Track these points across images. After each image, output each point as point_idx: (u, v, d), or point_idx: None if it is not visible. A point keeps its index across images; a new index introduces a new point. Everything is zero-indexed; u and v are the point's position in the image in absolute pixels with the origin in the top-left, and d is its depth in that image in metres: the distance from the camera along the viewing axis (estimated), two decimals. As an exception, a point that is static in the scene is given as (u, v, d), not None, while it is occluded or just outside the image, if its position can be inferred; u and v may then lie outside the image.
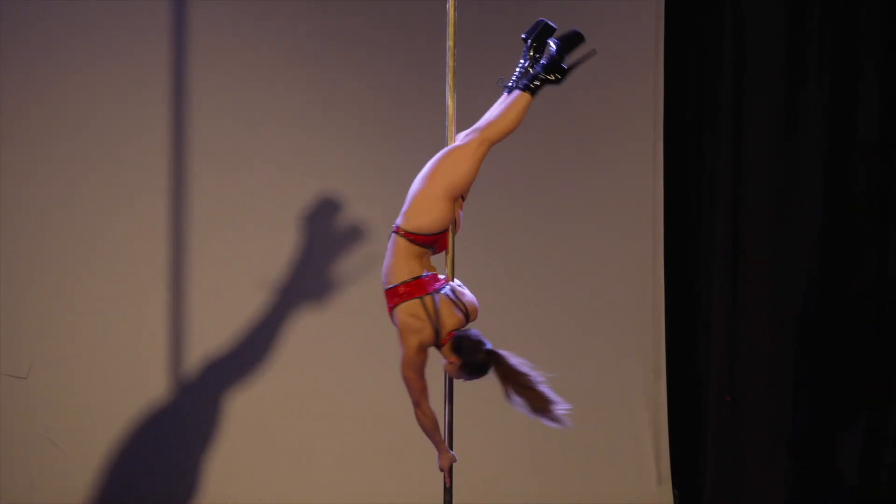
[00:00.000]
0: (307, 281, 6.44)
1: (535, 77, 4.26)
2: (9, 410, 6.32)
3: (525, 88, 4.28)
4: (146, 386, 6.37)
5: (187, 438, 6.38)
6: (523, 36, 4.42)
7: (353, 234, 6.44)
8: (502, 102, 4.32)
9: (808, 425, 6.35)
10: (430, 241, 4.26)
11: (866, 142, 6.32)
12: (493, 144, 4.30)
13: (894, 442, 6.31)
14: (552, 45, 4.31)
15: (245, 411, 6.40)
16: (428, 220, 4.20)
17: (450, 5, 4.40)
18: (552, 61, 4.30)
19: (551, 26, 4.37)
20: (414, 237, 4.23)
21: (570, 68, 4.33)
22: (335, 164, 6.45)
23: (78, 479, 6.33)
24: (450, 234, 4.33)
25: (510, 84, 4.33)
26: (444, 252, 4.40)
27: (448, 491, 4.61)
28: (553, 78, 4.27)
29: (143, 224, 6.37)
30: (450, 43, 4.42)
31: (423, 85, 6.39)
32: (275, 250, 6.42)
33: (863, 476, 6.31)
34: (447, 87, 4.46)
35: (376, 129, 6.46)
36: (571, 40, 4.30)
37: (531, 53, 4.34)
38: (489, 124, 4.27)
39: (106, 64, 6.36)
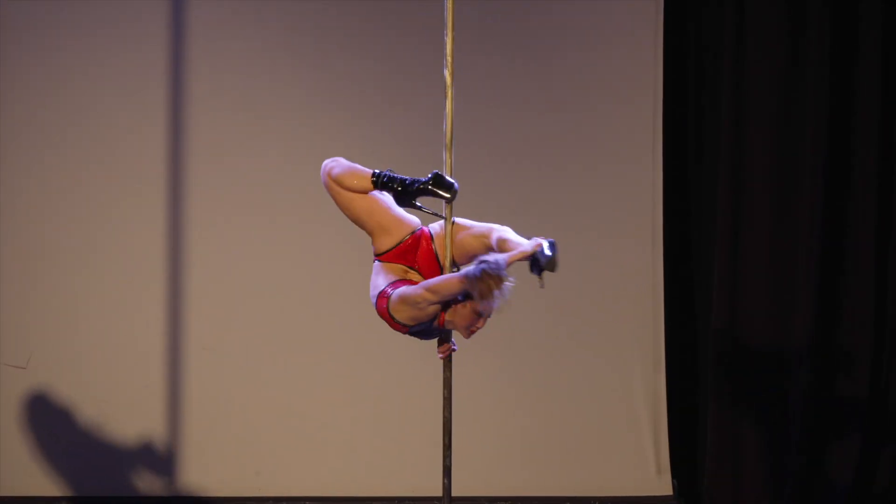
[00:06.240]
0: (306, 274, 6.44)
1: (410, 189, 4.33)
2: (8, 401, 6.33)
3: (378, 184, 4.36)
4: (145, 376, 6.39)
5: (186, 429, 6.39)
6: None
7: (351, 229, 6.41)
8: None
9: (808, 417, 6.35)
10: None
11: (867, 139, 6.30)
12: (342, 185, 4.38)
13: (893, 437, 6.31)
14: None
15: (244, 403, 6.41)
16: None
17: (448, 3, 4.37)
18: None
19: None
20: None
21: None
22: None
23: (77, 470, 6.35)
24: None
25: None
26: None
27: (447, 476, 4.53)
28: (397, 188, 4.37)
29: (143, 216, 6.39)
30: (447, 40, 4.39)
31: (421, 81, 6.39)
32: (273, 243, 6.42)
33: (860, 470, 6.31)
34: (447, 79, 4.43)
35: (375, 125, 6.45)
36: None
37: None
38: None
39: (105, 57, 6.39)
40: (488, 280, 4.02)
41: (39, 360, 6.36)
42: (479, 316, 4.12)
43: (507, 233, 4.29)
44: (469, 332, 4.18)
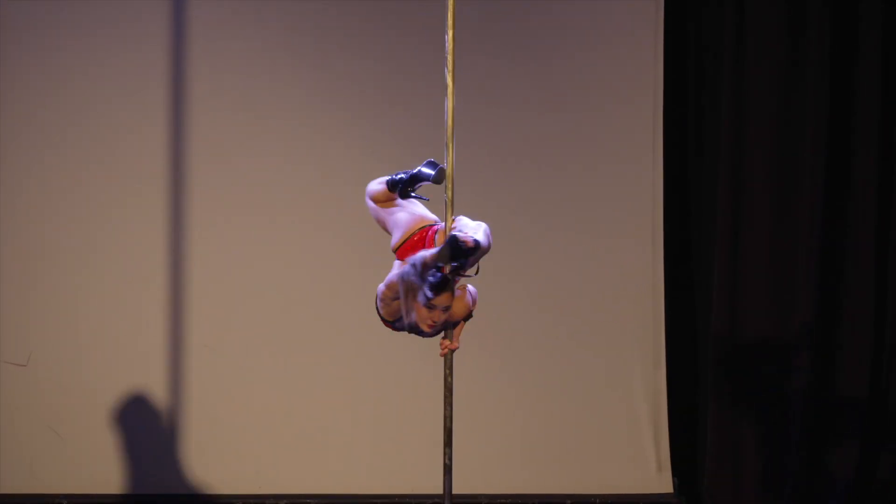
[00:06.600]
0: (306, 273, 6.44)
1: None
2: (8, 398, 6.33)
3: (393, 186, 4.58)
4: (146, 375, 6.39)
5: (186, 427, 6.39)
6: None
7: (351, 228, 6.43)
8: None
9: (808, 417, 6.35)
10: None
11: (867, 139, 6.30)
12: (372, 199, 4.62)
13: (893, 437, 6.31)
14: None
15: (244, 402, 6.41)
16: None
17: (449, 3, 4.37)
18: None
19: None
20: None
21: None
22: (334, 159, 6.44)
23: (77, 467, 6.36)
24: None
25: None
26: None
27: (447, 475, 4.53)
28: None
29: (144, 215, 6.39)
30: (448, 39, 4.40)
31: (421, 81, 6.38)
32: (273, 243, 6.42)
33: (860, 470, 6.32)
34: (447, 79, 4.44)
35: (375, 125, 6.45)
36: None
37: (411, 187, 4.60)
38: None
39: (105, 57, 6.39)
40: (404, 283, 4.09)
41: (39, 359, 6.36)
42: (430, 309, 4.10)
43: (479, 230, 4.30)
44: (428, 326, 4.16)
